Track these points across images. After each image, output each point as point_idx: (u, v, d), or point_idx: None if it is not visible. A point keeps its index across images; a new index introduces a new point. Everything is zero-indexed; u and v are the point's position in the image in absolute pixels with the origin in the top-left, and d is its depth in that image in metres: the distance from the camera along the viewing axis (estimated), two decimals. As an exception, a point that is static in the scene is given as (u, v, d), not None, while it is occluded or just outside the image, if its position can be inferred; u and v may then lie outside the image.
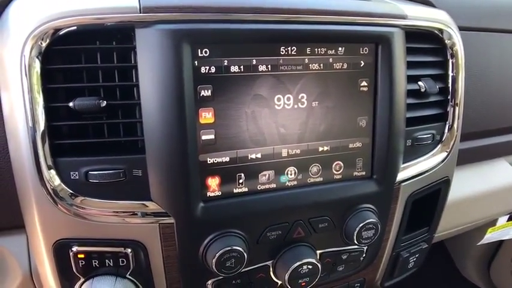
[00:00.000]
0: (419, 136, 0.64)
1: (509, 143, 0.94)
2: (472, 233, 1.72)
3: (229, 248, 0.50)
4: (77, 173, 0.47)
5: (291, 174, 0.55)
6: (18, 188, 0.51)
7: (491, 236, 1.11)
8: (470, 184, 0.89)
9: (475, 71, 0.78)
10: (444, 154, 0.68)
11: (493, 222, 1.11)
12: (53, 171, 0.47)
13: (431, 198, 0.72)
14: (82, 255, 0.50)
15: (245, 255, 0.51)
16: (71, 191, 0.47)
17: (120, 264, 0.51)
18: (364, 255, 0.64)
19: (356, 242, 0.58)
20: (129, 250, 0.51)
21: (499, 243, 1.69)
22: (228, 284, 0.56)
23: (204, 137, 0.49)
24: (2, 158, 0.51)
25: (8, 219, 0.55)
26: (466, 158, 0.85)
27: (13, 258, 0.57)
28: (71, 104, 0.46)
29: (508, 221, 1.10)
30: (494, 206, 0.97)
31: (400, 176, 0.62)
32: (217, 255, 0.50)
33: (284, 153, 0.54)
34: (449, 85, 0.66)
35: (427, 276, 1.76)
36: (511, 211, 1.05)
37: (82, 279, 0.51)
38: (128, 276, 0.52)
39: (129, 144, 0.49)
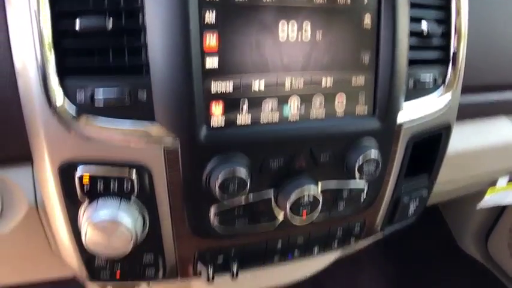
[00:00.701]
0: (421, 78, 0.64)
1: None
2: (470, 202, 1.74)
3: (232, 172, 0.51)
4: (83, 93, 0.48)
5: (294, 106, 0.56)
6: (25, 113, 0.51)
7: (490, 198, 1.11)
8: (470, 139, 0.90)
9: (478, 17, 0.77)
10: (446, 98, 0.68)
11: (493, 184, 1.12)
12: (59, 91, 0.47)
13: (432, 144, 0.73)
14: (87, 178, 0.51)
15: (247, 180, 0.52)
16: (77, 111, 0.48)
17: (125, 187, 0.52)
18: (364, 194, 0.65)
19: (357, 177, 0.59)
20: (134, 174, 0.51)
21: (498, 215, 1.70)
22: (231, 213, 0.57)
23: (208, 63, 0.50)
24: (8, 84, 0.51)
25: (14, 149, 0.55)
26: (467, 112, 0.85)
27: (19, 189, 0.58)
28: (77, 24, 0.46)
29: (508, 183, 1.11)
30: (494, 163, 0.97)
31: (402, 117, 0.63)
32: (220, 178, 0.51)
33: (287, 84, 0.55)
34: (453, 28, 0.66)
35: (425, 250, 1.79)
36: (511, 170, 1.05)
37: (87, 203, 0.52)
38: (132, 199, 0.53)
39: (134, 68, 0.49)
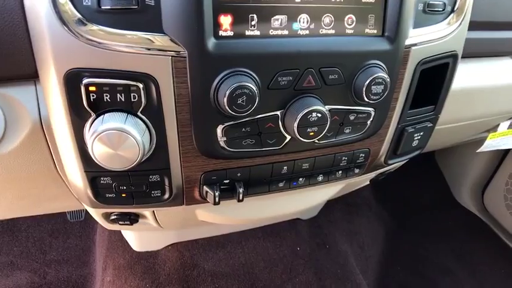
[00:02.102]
0: (431, 1, 0.63)
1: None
2: (468, 154, 1.76)
3: (241, 84, 0.50)
4: (89, -5, 0.46)
5: (303, 22, 0.55)
6: (30, 23, 0.50)
7: (491, 142, 1.12)
8: (475, 77, 0.90)
9: None
10: (455, 25, 0.67)
11: (492, 130, 1.12)
12: None
13: (439, 76, 0.73)
14: (93, 88, 0.50)
15: (256, 95, 0.52)
16: (83, 15, 0.47)
17: (132, 100, 0.51)
18: (371, 119, 0.65)
19: (365, 98, 0.58)
20: (141, 84, 0.51)
21: (495, 169, 1.73)
22: (238, 130, 0.57)
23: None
24: None
25: (18, 67, 0.54)
26: (473, 50, 0.84)
27: (22, 106, 0.57)
28: None
29: (508, 128, 1.11)
30: (497, 104, 0.98)
31: (411, 39, 0.62)
32: (229, 90, 0.50)
33: (297, -1, 0.53)
34: None
35: (422, 203, 1.82)
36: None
37: (93, 116, 0.52)
38: (139, 114, 0.53)
39: None
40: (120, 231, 1.24)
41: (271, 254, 1.21)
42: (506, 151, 1.64)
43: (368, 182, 0.96)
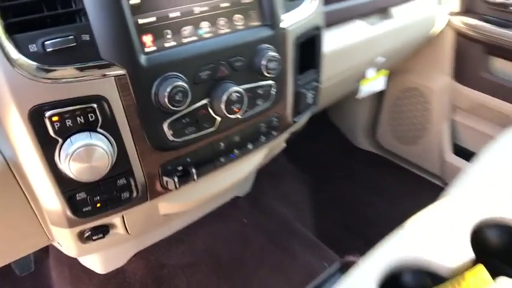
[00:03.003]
0: None
1: (363, 5, 1.21)
2: (353, 105, 2.09)
3: (175, 84, 0.65)
4: (34, 45, 0.57)
5: (205, 28, 0.71)
6: None
7: (365, 88, 1.40)
8: (338, 40, 1.15)
9: None
10: (313, 4, 0.89)
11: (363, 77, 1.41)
12: (12, 46, 0.56)
13: (313, 45, 0.94)
14: (56, 118, 0.60)
15: (188, 90, 0.67)
16: (35, 61, 0.57)
17: (90, 119, 0.63)
18: (274, 89, 0.83)
19: (265, 74, 0.77)
20: (95, 105, 0.62)
21: (377, 111, 2.08)
22: (180, 122, 0.71)
23: (131, 2, 0.62)
24: None
25: None
26: (332, 19, 1.09)
27: None
28: None
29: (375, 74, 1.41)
30: (360, 56, 1.25)
31: (285, 23, 0.82)
32: (168, 90, 0.64)
33: (196, 11, 0.69)
34: None
35: (327, 153, 2.11)
36: (374, 62, 1.34)
37: (61, 141, 0.62)
38: (98, 129, 0.64)
39: (74, 16, 0.60)
40: (79, 264, 1.29)
41: (224, 232, 1.37)
42: (382, 92, 1.99)
43: (284, 144, 1.15)
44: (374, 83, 1.42)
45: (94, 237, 0.84)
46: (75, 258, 1.28)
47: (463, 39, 1.59)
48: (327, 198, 1.79)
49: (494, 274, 0.64)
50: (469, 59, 1.61)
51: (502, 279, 0.64)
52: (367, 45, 1.25)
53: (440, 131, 1.83)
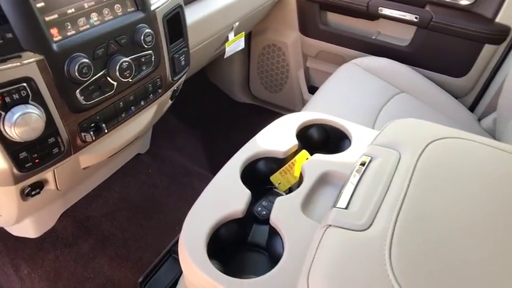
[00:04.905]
0: None
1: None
2: (224, 64, 2.45)
3: (81, 61, 0.91)
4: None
5: (94, 17, 0.97)
6: None
7: (229, 49, 1.76)
8: (199, 11, 1.46)
9: None
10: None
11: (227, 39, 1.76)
12: None
13: (178, 20, 1.24)
14: None
15: (91, 65, 0.94)
16: None
17: (23, 95, 0.86)
18: (154, 57, 1.13)
19: (145, 45, 1.06)
20: (25, 84, 0.86)
21: (247, 66, 2.46)
22: (87, 89, 0.97)
23: (38, 5, 0.86)
24: None
25: None
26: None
27: None
28: None
29: (234, 37, 1.76)
30: (220, 22, 1.58)
31: (153, 5, 1.11)
32: (77, 65, 0.90)
33: (86, 6, 0.95)
34: None
35: (211, 109, 2.44)
36: (232, 26, 1.69)
37: (3, 114, 0.85)
38: (30, 102, 0.88)
39: None
40: (13, 237, 1.45)
41: (133, 183, 1.65)
42: (249, 51, 2.38)
43: (170, 101, 1.46)
44: (236, 43, 1.77)
45: (33, 193, 1.08)
46: (8, 233, 1.45)
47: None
48: (217, 147, 2.15)
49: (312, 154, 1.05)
50: (310, 15, 2.01)
51: (317, 155, 1.05)
52: (224, 14, 1.58)
53: (297, 77, 2.28)
